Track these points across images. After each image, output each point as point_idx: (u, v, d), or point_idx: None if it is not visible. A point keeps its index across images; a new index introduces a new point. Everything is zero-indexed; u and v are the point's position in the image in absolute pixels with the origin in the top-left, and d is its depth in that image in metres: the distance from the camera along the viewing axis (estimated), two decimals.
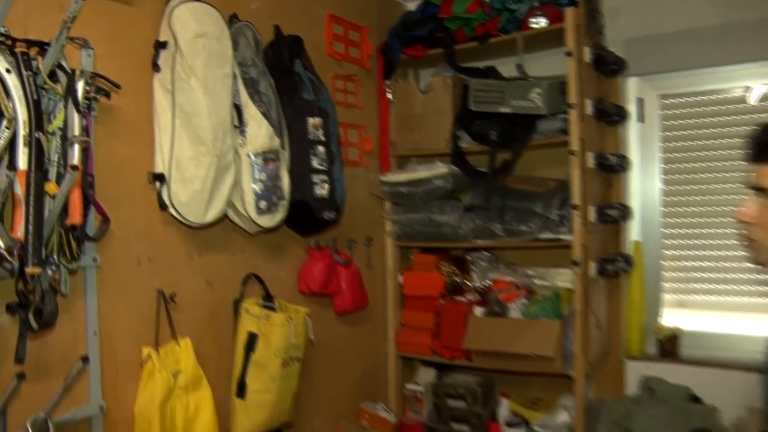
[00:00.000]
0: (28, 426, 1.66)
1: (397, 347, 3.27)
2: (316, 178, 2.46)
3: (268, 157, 2.23)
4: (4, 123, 1.53)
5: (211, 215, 2.11)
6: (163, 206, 2.06)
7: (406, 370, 3.36)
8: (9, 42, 1.56)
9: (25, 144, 1.54)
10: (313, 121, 2.46)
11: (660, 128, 3.02)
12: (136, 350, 2.02)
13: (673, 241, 3.07)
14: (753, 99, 2.80)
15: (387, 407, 3.14)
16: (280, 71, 2.42)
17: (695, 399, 2.65)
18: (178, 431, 2.03)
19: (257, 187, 2.21)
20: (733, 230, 2.78)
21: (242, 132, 2.19)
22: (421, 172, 3.00)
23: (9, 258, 1.47)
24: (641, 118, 3.02)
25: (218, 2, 2.19)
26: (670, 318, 3.07)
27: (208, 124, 2.03)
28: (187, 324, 2.18)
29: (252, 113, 2.21)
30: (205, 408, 2.12)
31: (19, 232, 1.51)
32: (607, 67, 2.78)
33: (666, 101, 3.01)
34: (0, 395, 1.61)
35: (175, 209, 2.04)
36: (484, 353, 2.92)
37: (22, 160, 1.53)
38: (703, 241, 2.99)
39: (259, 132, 2.21)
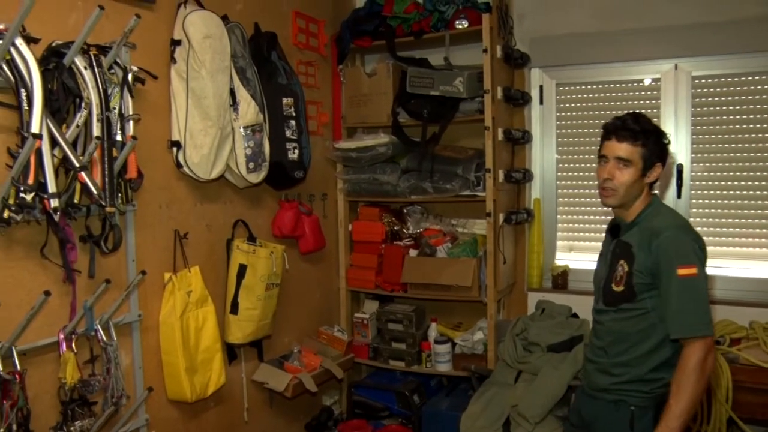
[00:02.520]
0: (97, 323, 2.31)
1: (347, 283, 3.95)
2: (289, 145, 3.11)
3: (255, 129, 2.87)
4: (83, 105, 2.14)
5: (215, 173, 2.75)
6: (178, 166, 2.69)
7: (354, 301, 4.05)
8: (85, 46, 2.16)
9: (98, 120, 2.16)
10: (286, 100, 3.10)
11: (556, 110, 3.69)
12: (160, 274, 2.66)
13: (566, 199, 3.73)
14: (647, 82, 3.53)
15: (341, 329, 3.82)
16: (260, 61, 3.04)
17: (574, 315, 3.41)
18: (191, 335, 2.69)
19: (248, 152, 2.84)
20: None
21: (235, 110, 2.81)
22: (366, 141, 3.61)
23: (99, 200, 2.11)
24: (542, 101, 3.69)
25: (213, 4, 2.79)
26: (562, 258, 3.76)
27: (213, 104, 2.66)
28: (194, 256, 2.82)
29: (243, 95, 2.83)
30: (210, 319, 2.79)
31: (99, 183, 2.15)
32: (515, 60, 3.48)
33: (561, 88, 3.67)
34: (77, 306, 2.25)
35: (189, 168, 2.67)
36: (416, 285, 3.63)
37: (98, 132, 2.15)
38: (588, 199, 3.66)
39: (248, 110, 2.84)
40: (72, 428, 2.17)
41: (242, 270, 2.96)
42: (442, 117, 3.49)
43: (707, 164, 3.40)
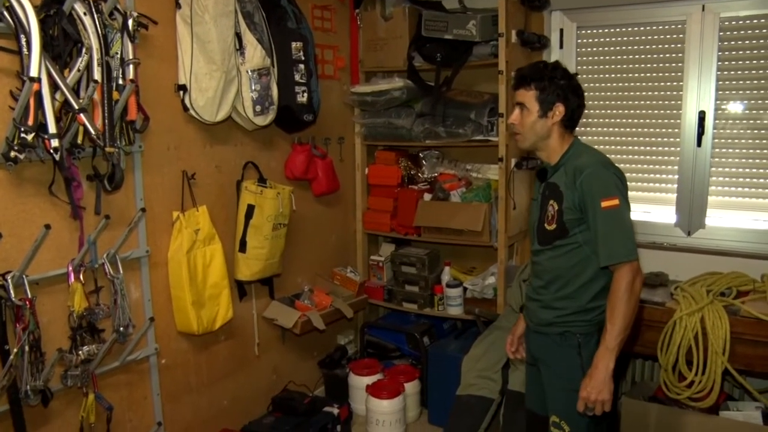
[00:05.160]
0: (106, 258, 2.46)
1: (363, 225, 4.04)
2: (298, 89, 3.16)
3: (261, 72, 2.93)
4: (84, 50, 2.24)
5: (221, 115, 2.84)
6: (185, 108, 2.78)
7: (371, 244, 4.14)
8: None
9: (98, 65, 2.26)
10: (295, 44, 3.14)
11: (577, 54, 3.61)
12: (168, 213, 2.80)
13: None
14: None
15: (354, 270, 3.94)
16: (270, 5, 3.07)
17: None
18: (199, 272, 2.83)
19: (254, 95, 2.91)
20: (634, 137, 3.50)
21: (242, 54, 2.87)
22: (382, 85, 3.63)
23: (98, 141, 2.23)
24: (561, 45, 3.60)
25: None
26: None
27: (217, 48, 2.73)
28: (203, 196, 2.94)
29: (249, 39, 2.89)
30: (218, 257, 2.92)
31: (99, 125, 2.26)
32: (532, 3, 3.40)
33: (582, 32, 3.58)
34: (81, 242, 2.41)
35: (195, 111, 2.76)
36: (429, 229, 3.69)
37: (98, 76, 2.25)
38: (608, 147, 3.57)
39: (255, 54, 2.90)
40: (80, 352, 2.35)
41: (250, 210, 3.07)
42: (456, 61, 3.48)
43: (732, 111, 3.27)
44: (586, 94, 3.42)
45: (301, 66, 3.17)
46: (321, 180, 3.55)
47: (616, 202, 2.03)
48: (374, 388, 3.40)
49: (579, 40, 3.61)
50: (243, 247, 3.09)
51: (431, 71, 3.60)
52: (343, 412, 3.39)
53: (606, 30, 3.53)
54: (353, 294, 3.75)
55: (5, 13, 2.04)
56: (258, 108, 2.95)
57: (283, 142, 3.41)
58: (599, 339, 2.08)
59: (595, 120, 3.64)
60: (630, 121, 3.52)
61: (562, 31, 3.62)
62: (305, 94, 3.19)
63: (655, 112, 3.44)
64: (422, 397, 3.65)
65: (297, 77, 3.15)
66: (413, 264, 3.85)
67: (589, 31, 3.58)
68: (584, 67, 3.62)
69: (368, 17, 3.80)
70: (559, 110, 2.15)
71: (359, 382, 3.57)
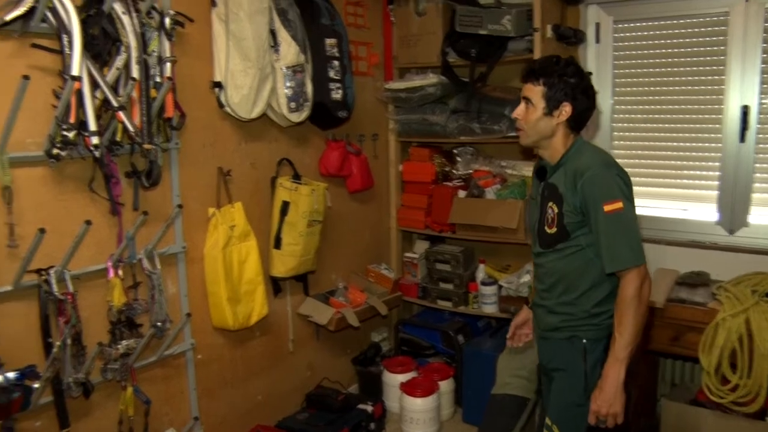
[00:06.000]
0: (143, 253, 2.50)
1: (397, 222, 4.03)
2: (332, 85, 3.17)
3: (296, 69, 2.95)
4: (122, 49, 2.27)
5: (256, 112, 2.86)
6: (221, 105, 2.81)
7: (405, 241, 4.13)
8: None
9: (137, 63, 2.29)
10: (329, 41, 3.15)
11: (613, 49, 3.53)
12: (204, 209, 2.83)
13: (620, 142, 3.59)
14: None
15: (389, 267, 3.94)
16: (304, 2, 3.08)
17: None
18: (234, 268, 2.86)
19: (288, 92, 2.93)
20: (672, 133, 3.43)
21: (276, 51, 2.89)
22: (416, 81, 3.60)
23: (136, 138, 2.26)
24: (598, 40, 3.54)
25: None
26: None
27: (252, 46, 2.74)
28: (238, 192, 2.97)
29: (284, 36, 2.90)
30: (253, 253, 2.94)
31: (137, 122, 2.30)
32: None
33: (619, 26, 3.49)
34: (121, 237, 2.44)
35: (230, 107, 2.79)
36: (464, 226, 3.66)
37: (136, 74, 2.29)
38: (644, 143, 3.52)
39: (289, 50, 2.91)
40: (119, 346, 2.38)
41: (285, 207, 3.09)
42: (490, 56, 3.45)
43: None
44: (623, 89, 3.40)
45: (336, 62, 3.18)
46: (355, 177, 3.56)
47: (619, 205, 1.93)
48: (408, 385, 3.39)
49: (616, 35, 3.53)
50: (278, 243, 3.11)
51: (465, 67, 3.58)
52: (377, 410, 3.38)
53: (644, 24, 3.45)
54: (387, 291, 3.75)
55: (49, 15, 2.08)
56: (293, 105, 2.96)
57: (317, 139, 3.42)
58: (607, 345, 2.02)
59: (633, 116, 3.56)
60: (669, 116, 3.44)
61: (598, 25, 3.55)
62: (339, 91, 3.20)
63: (696, 107, 3.35)
64: (456, 396, 3.63)
65: (331, 74, 3.16)
66: (448, 261, 3.83)
67: (626, 25, 3.50)
68: (621, 62, 3.54)
69: (401, 13, 3.78)
70: (566, 110, 2.04)
71: (393, 380, 3.57)
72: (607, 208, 1.93)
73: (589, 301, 2.08)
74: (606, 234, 1.95)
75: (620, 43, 3.53)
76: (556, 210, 2.06)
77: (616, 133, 3.61)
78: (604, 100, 3.59)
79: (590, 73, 2.13)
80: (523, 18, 3.31)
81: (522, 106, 2.11)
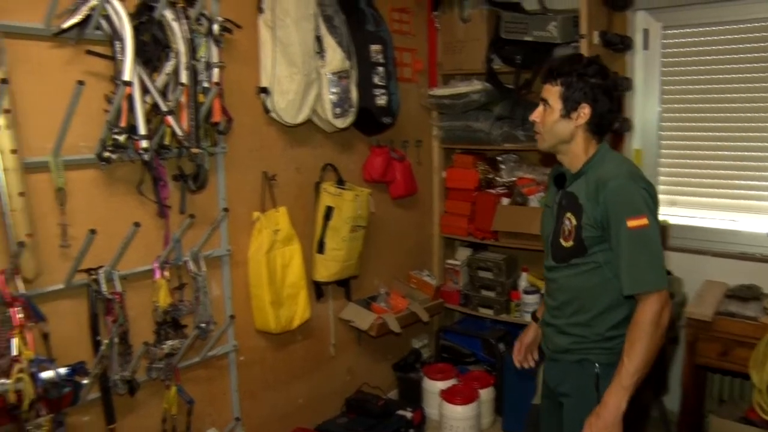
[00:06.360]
0: (189, 255, 2.54)
1: (440, 229, 4.02)
2: (377, 91, 3.18)
3: (341, 75, 2.97)
4: (172, 54, 2.32)
5: (301, 117, 2.88)
6: (266, 111, 2.85)
7: (447, 248, 4.11)
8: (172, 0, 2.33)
9: (185, 68, 2.34)
10: (374, 47, 3.16)
11: (661, 56, 3.47)
12: (249, 213, 2.86)
13: (668, 151, 3.53)
14: None
15: (431, 274, 3.92)
16: (349, 8, 3.11)
17: (667, 272, 3.29)
18: (278, 271, 2.89)
19: (333, 98, 2.95)
20: (722, 142, 3.35)
21: (322, 57, 2.91)
22: (460, 88, 3.60)
23: (184, 142, 2.31)
24: (646, 46, 3.48)
25: None
26: (662, 213, 3.50)
27: (298, 51, 2.78)
28: (282, 197, 3.00)
29: (329, 42, 2.93)
30: (296, 257, 2.97)
31: (185, 126, 2.35)
32: (616, 3, 3.29)
33: (668, 32, 3.44)
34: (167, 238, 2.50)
35: (276, 113, 2.82)
36: (507, 234, 3.63)
37: (185, 79, 2.34)
38: (693, 152, 3.45)
39: (335, 57, 2.94)
40: (164, 346, 2.43)
41: (329, 212, 3.11)
42: (536, 63, 3.41)
43: None
44: (672, 96, 3.30)
45: (381, 69, 3.19)
46: (399, 183, 3.56)
47: (644, 221, 1.79)
48: (449, 393, 3.37)
49: (664, 41, 3.48)
50: (321, 248, 3.13)
51: (510, 74, 3.55)
52: (417, 416, 3.37)
53: (694, 29, 3.39)
54: (429, 298, 3.74)
55: (103, 22, 2.14)
56: (338, 110, 2.98)
57: (361, 145, 3.44)
58: None
59: (682, 124, 3.50)
60: (719, 124, 3.37)
61: (646, 31, 3.50)
62: (384, 97, 3.21)
63: (748, 115, 3.27)
64: (497, 404, 3.59)
65: (376, 80, 3.17)
66: (490, 269, 3.80)
67: (675, 31, 3.45)
68: (670, 69, 3.48)
69: (446, 19, 3.78)
70: (585, 112, 1.90)
71: (433, 387, 3.55)
72: (631, 223, 1.79)
73: (604, 324, 1.95)
74: (628, 252, 1.81)
75: (669, 50, 3.48)
76: (574, 222, 1.92)
77: (663, 142, 3.55)
78: (652, 108, 3.55)
79: (616, 73, 1.93)
80: (569, 24, 3.27)
81: (540, 108, 2.00)
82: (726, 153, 3.35)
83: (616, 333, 1.93)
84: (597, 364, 1.95)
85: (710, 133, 3.41)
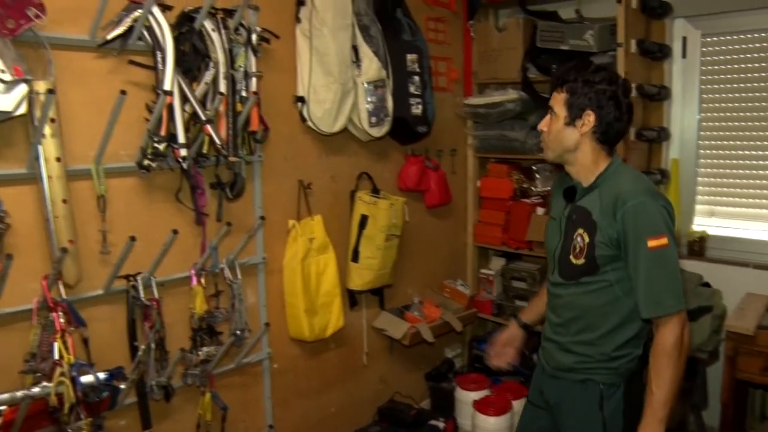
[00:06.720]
0: (224, 263, 2.57)
1: (474, 238, 4.00)
2: (412, 100, 3.19)
3: (377, 84, 2.98)
4: (212, 64, 2.35)
5: (338, 126, 2.90)
6: (303, 119, 2.87)
7: (481, 257, 4.08)
8: (212, 10, 2.36)
9: (224, 78, 2.37)
10: (410, 57, 3.17)
11: (701, 64, 3.41)
12: (284, 221, 2.88)
13: (707, 161, 3.47)
14: None
15: (464, 283, 3.90)
16: (385, 18, 3.11)
17: (705, 284, 3.24)
18: (312, 280, 2.90)
19: (369, 107, 2.96)
20: (762, 151, 3.28)
21: (358, 66, 2.93)
22: (496, 97, 3.58)
23: (222, 151, 2.34)
24: (684, 54, 3.42)
25: None
26: (701, 224, 3.52)
27: (335, 61, 2.79)
28: (317, 205, 3.01)
29: (365, 52, 2.94)
30: (331, 265, 2.98)
31: (223, 135, 2.37)
32: (653, 10, 3.25)
33: (707, 39, 3.38)
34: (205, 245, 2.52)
35: (312, 122, 2.84)
36: (541, 244, 3.57)
37: (223, 88, 2.36)
38: (732, 161, 3.38)
39: (371, 66, 2.95)
40: (200, 352, 2.45)
41: (364, 220, 3.11)
42: None
43: None
44: (711, 105, 3.22)
45: (416, 78, 3.19)
46: (433, 192, 3.55)
47: (664, 241, 1.72)
48: (482, 403, 3.34)
49: (704, 49, 3.42)
50: (356, 256, 3.13)
51: (546, 83, 3.50)
52: (449, 427, 3.35)
53: (733, 37, 3.33)
54: (462, 307, 3.72)
55: (145, 33, 2.18)
56: (373, 119, 2.99)
57: (396, 154, 3.44)
58: (625, 390, 1.86)
59: (721, 133, 3.43)
60: (759, 133, 3.30)
61: (685, 39, 3.44)
62: (420, 106, 3.21)
63: None
64: None
65: (412, 89, 3.18)
66: (524, 279, 3.77)
67: (714, 39, 3.39)
68: (709, 77, 3.43)
69: (482, 28, 3.77)
70: (589, 119, 1.82)
71: (466, 397, 3.51)
72: (651, 243, 1.73)
73: (611, 344, 1.89)
74: (646, 272, 1.75)
75: (708, 58, 3.43)
76: (587, 239, 1.85)
77: (702, 151, 3.49)
78: (690, 117, 3.49)
79: (626, 80, 1.87)
80: (606, 33, 3.23)
81: (547, 117, 1.93)
82: (766, 162, 3.28)
83: (621, 353, 1.89)
84: (601, 385, 1.91)
85: (750, 142, 3.34)
